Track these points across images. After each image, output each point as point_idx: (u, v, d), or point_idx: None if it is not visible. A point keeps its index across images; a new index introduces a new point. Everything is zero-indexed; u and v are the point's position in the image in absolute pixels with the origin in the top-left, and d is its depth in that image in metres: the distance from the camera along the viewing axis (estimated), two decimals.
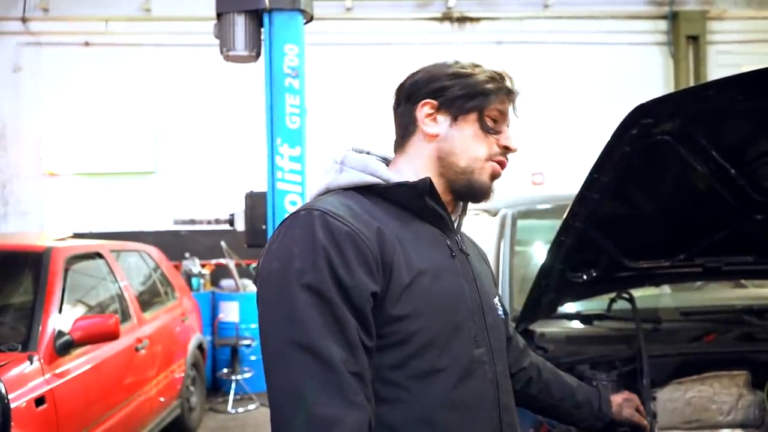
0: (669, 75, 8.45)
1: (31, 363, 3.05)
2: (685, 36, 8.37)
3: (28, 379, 2.97)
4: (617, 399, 1.74)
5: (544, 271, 2.02)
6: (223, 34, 4.19)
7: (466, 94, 1.27)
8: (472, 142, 1.28)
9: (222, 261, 7.19)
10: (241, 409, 6.04)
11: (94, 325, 3.36)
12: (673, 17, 8.41)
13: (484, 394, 1.23)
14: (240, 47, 4.18)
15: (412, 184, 1.24)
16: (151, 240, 6.58)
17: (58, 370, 3.19)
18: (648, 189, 1.94)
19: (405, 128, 1.32)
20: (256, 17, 4.19)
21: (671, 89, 8.08)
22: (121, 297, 4.28)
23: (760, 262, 2.25)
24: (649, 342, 2.09)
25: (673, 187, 1.95)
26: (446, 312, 1.20)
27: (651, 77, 8.36)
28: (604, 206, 1.85)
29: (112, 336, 3.41)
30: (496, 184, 1.32)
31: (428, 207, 1.25)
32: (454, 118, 1.28)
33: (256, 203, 4.37)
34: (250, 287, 6.87)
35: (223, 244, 7.03)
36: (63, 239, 4.26)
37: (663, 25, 8.51)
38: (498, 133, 1.29)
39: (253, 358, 6.42)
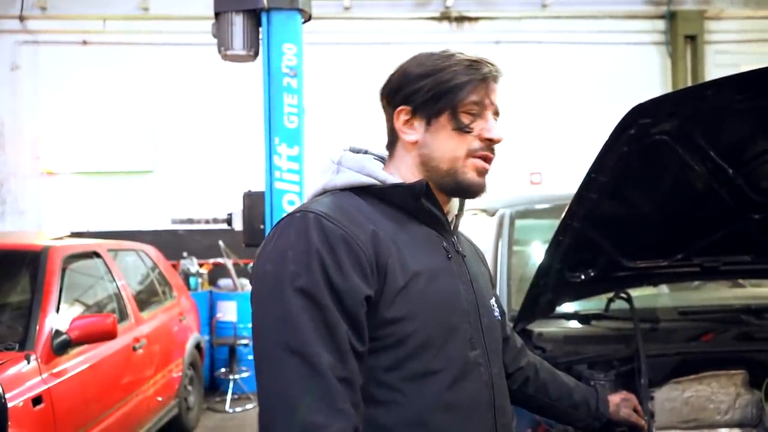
0: (667, 74, 8.46)
1: (29, 362, 3.04)
2: (683, 36, 8.37)
3: (25, 379, 2.97)
4: (615, 399, 1.74)
5: (542, 270, 2.02)
6: (221, 33, 4.18)
7: (434, 95, 1.23)
8: (448, 144, 1.24)
9: (220, 260, 7.18)
10: (238, 409, 6.04)
11: (92, 324, 3.36)
12: (671, 17, 8.41)
13: (479, 396, 1.23)
14: (238, 46, 4.17)
15: (408, 186, 1.24)
16: (148, 239, 6.58)
17: (55, 370, 3.18)
18: (646, 189, 1.94)
19: (390, 134, 1.31)
20: (254, 16, 4.19)
21: (669, 89, 8.09)
22: (118, 296, 4.27)
23: (758, 261, 2.25)
24: (647, 341, 2.09)
25: (671, 186, 1.95)
26: (441, 314, 1.19)
27: (649, 77, 8.36)
28: (602, 206, 1.85)
29: (109, 335, 3.41)
30: (487, 178, 1.29)
31: (424, 208, 1.25)
32: (428, 122, 1.25)
33: (254, 203, 4.36)
34: (248, 287, 6.86)
35: (221, 243, 7.02)
36: (60, 238, 4.25)
37: (661, 24, 8.52)
38: (472, 130, 1.24)
39: (250, 357, 6.36)
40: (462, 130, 1.23)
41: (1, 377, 2.81)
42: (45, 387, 3.04)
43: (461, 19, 8.39)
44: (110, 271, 4.31)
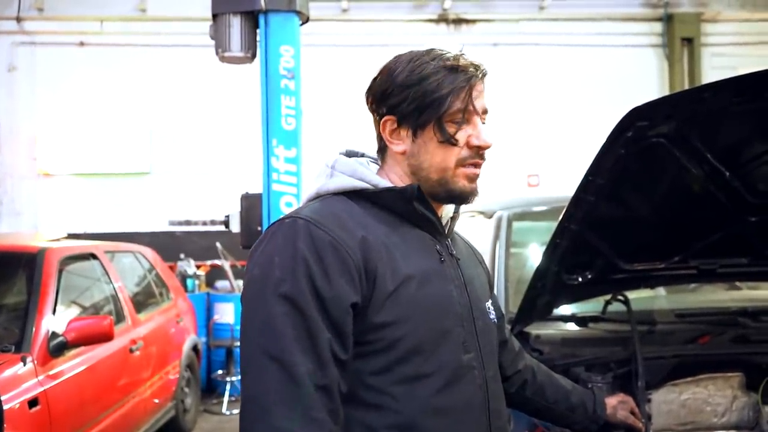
0: (664, 77, 8.48)
1: (25, 364, 3.03)
2: (680, 38, 8.39)
3: (21, 381, 2.96)
4: (612, 401, 1.74)
5: (540, 273, 2.02)
6: (218, 35, 4.18)
7: (418, 107, 1.21)
8: (436, 155, 1.23)
9: (217, 262, 7.18)
10: (235, 411, 6.03)
11: (88, 326, 3.35)
12: (668, 19, 8.43)
13: (472, 400, 1.23)
14: (235, 48, 4.17)
15: (400, 189, 1.24)
16: (146, 241, 6.57)
17: (51, 372, 3.17)
18: (643, 191, 1.94)
19: (378, 140, 1.31)
20: (252, 18, 4.18)
21: (666, 91, 8.11)
22: (115, 298, 4.26)
23: (755, 264, 2.26)
24: (644, 344, 2.09)
25: (668, 189, 1.96)
26: (432, 318, 1.19)
27: (646, 79, 8.38)
28: (600, 208, 1.85)
29: (106, 337, 3.40)
30: (479, 182, 1.28)
31: (417, 212, 1.24)
32: (414, 133, 1.24)
33: (251, 204, 4.35)
34: None
35: (218, 245, 7.02)
36: (57, 240, 4.24)
37: (658, 27, 8.53)
38: (458, 141, 1.22)
39: None
40: (449, 141, 1.22)
41: None
42: (41, 389, 3.03)
43: (459, 21, 8.40)
44: (107, 273, 4.30)
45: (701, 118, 1.69)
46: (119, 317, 4.17)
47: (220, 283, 7.27)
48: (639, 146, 1.71)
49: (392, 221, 1.24)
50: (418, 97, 1.21)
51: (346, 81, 7.86)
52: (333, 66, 7.97)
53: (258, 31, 4.23)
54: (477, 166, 1.26)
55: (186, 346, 5.32)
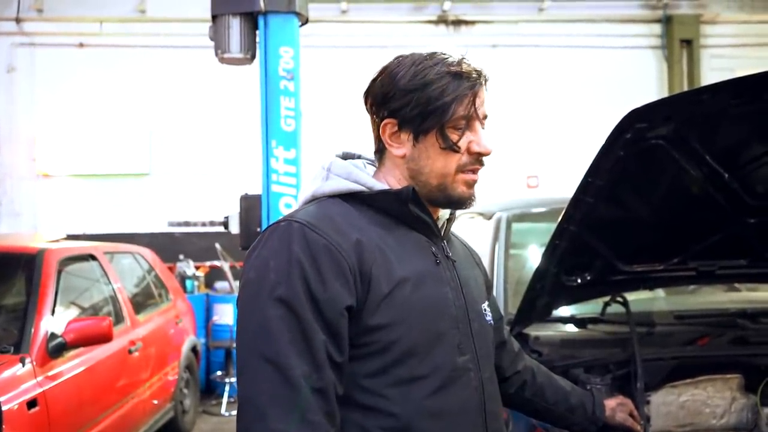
0: (663, 78, 8.48)
1: (23, 365, 3.03)
2: (679, 40, 8.40)
3: (20, 382, 2.96)
4: (611, 403, 1.74)
5: (539, 274, 2.02)
6: (218, 36, 4.18)
7: (421, 113, 1.20)
8: (438, 160, 1.23)
9: (216, 263, 7.17)
10: (234, 412, 6.00)
11: (87, 327, 3.35)
12: (667, 21, 8.43)
13: (468, 402, 1.23)
14: (235, 49, 4.17)
15: (395, 192, 1.24)
16: (145, 242, 6.56)
17: (50, 373, 3.17)
18: (642, 193, 1.95)
19: (377, 142, 1.30)
20: (252, 20, 4.18)
21: (665, 93, 8.11)
22: (114, 299, 4.26)
23: (754, 265, 2.26)
24: (643, 345, 2.09)
25: (667, 191, 1.96)
26: (427, 320, 1.19)
27: (645, 81, 8.38)
28: (599, 210, 1.85)
29: (105, 338, 3.40)
30: (476, 189, 1.28)
31: (412, 214, 1.24)
32: (416, 137, 1.23)
33: (250, 205, 4.35)
34: None
35: (217, 246, 7.01)
36: (56, 241, 4.24)
37: (657, 28, 8.54)
38: (460, 148, 1.22)
39: None
40: (451, 148, 1.22)
41: None
42: (40, 390, 3.02)
43: (458, 22, 8.40)
44: (106, 274, 4.30)
45: (700, 119, 1.69)
46: (118, 318, 4.16)
47: (220, 284, 7.27)
48: (638, 148, 1.71)
49: (387, 223, 1.24)
50: (421, 102, 1.20)
51: (346, 82, 7.86)
52: (332, 67, 7.97)
53: (257, 32, 4.23)
54: (476, 171, 1.27)
55: (185, 347, 5.31)
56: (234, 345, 6.27)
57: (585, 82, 8.31)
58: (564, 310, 2.40)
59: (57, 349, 3.25)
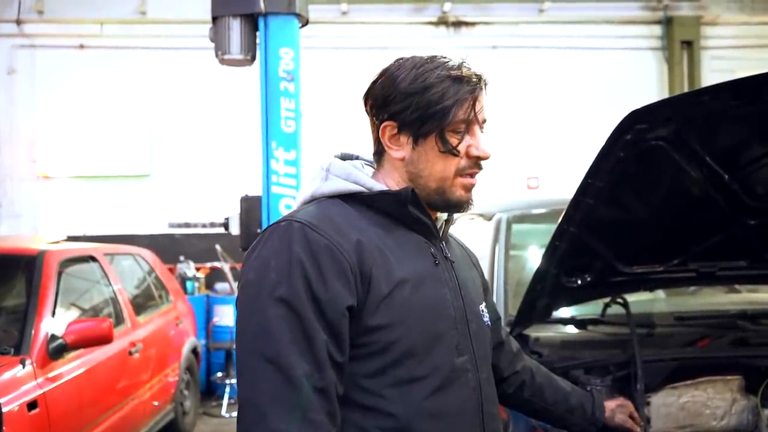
0: (663, 80, 8.48)
1: (24, 367, 3.03)
2: (680, 41, 8.39)
3: (20, 383, 2.96)
4: (611, 404, 1.74)
5: (539, 275, 2.02)
6: (218, 37, 4.18)
7: (421, 117, 1.21)
8: (437, 164, 1.24)
9: (217, 264, 7.17)
10: (235, 414, 6.01)
11: (88, 328, 3.35)
12: (668, 22, 8.43)
13: (466, 403, 1.23)
14: (235, 51, 4.17)
15: (394, 193, 1.24)
16: (145, 243, 6.56)
17: (50, 374, 3.17)
18: (642, 194, 1.95)
19: (376, 144, 1.30)
20: (252, 21, 4.19)
21: (665, 94, 8.11)
22: (114, 300, 4.26)
23: (754, 266, 2.26)
24: (643, 347, 2.09)
25: (667, 192, 1.96)
26: (426, 321, 1.20)
27: (645, 82, 8.38)
28: (599, 211, 1.85)
29: (105, 340, 3.40)
30: (474, 193, 1.29)
31: (411, 215, 1.25)
32: (415, 141, 1.24)
33: (251, 207, 4.35)
34: None
35: (218, 247, 7.01)
36: (57, 242, 4.24)
37: (657, 30, 8.54)
38: (459, 152, 1.23)
39: None
40: (450, 152, 1.23)
41: None
42: (40, 392, 3.02)
43: (458, 23, 8.41)
44: (106, 275, 4.30)
45: (700, 121, 1.69)
46: (118, 320, 4.16)
47: (220, 286, 7.27)
48: (638, 149, 1.71)
49: (387, 224, 1.24)
50: (421, 106, 1.21)
51: (346, 83, 7.86)
52: (333, 68, 7.97)
53: (258, 33, 4.23)
54: (474, 176, 1.27)
55: (185, 349, 5.31)
56: (234, 346, 6.27)
57: (585, 83, 8.31)
58: (564, 312, 2.40)
59: (57, 350, 3.24)
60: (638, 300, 2.47)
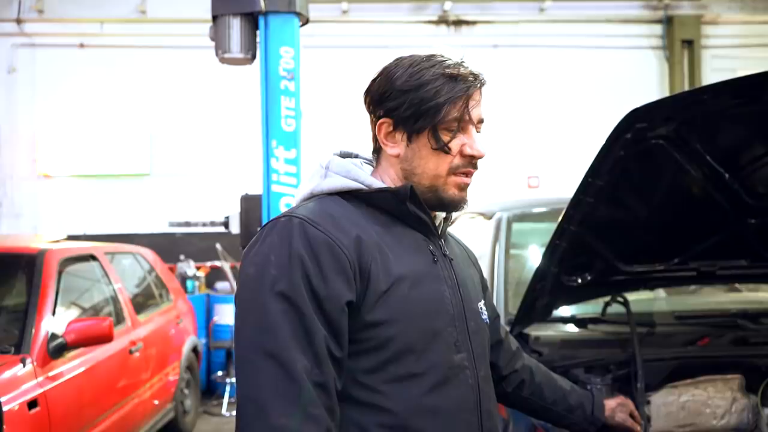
0: (664, 79, 8.48)
1: (24, 366, 3.03)
2: (680, 40, 8.39)
3: (20, 382, 2.96)
4: (611, 403, 1.74)
5: (539, 274, 2.02)
6: (218, 36, 4.18)
7: (414, 113, 1.22)
8: (429, 161, 1.24)
9: (217, 263, 7.17)
10: (235, 413, 6.02)
11: (88, 327, 3.34)
12: (668, 21, 8.43)
13: (464, 400, 1.23)
14: (235, 50, 4.17)
15: (393, 190, 1.25)
16: (145, 242, 6.56)
17: (51, 373, 3.17)
18: (642, 193, 1.95)
19: (374, 141, 1.31)
20: (252, 20, 4.18)
21: (666, 93, 8.11)
22: (115, 299, 4.26)
23: (754, 266, 2.26)
24: (644, 346, 2.09)
25: (667, 191, 1.96)
26: (424, 318, 1.20)
27: (646, 81, 8.38)
28: (599, 210, 1.85)
29: (105, 338, 3.40)
30: (468, 192, 1.29)
31: (410, 212, 1.25)
32: (409, 138, 1.24)
33: (251, 206, 4.35)
34: None
35: (218, 246, 7.01)
36: (57, 241, 4.24)
37: (658, 29, 8.53)
38: (451, 150, 1.23)
39: None
40: (442, 149, 1.23)
41: None
42: (40, 390, 3.02)
43: (459, 22, 8.40)
44: (107, 274, 4.30)
45: (701, 120, 1.69)
46: (119, 318, 4.16)
47: (220, 285, 7.27)
48: (638, 148, 1.71)
49: (386, 221, 1.24)
50: (415, 103, 1.21)
51: (346, 82, 7.86)
52: (333, 67, 7.97)
53: (258, 32, 4.23)
54: (468, 175, 1.27)
55: (186, 348, 5.31)
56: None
57: (586, 82, 8.31)
58: (564, 311, 2.40)
59: (58, 349, 3.24)
60: (639, 299, 2.47)
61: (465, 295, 1.30)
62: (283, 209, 4.31)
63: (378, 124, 1.27)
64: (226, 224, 4.83)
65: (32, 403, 2.94)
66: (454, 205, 1.28)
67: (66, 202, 7.94)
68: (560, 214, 1.89)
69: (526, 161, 8.15)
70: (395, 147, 1.26)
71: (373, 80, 1.29)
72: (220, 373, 6.49)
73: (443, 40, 8.20)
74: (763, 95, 1.58)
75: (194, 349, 5.59)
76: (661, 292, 2.78)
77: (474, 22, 8.42)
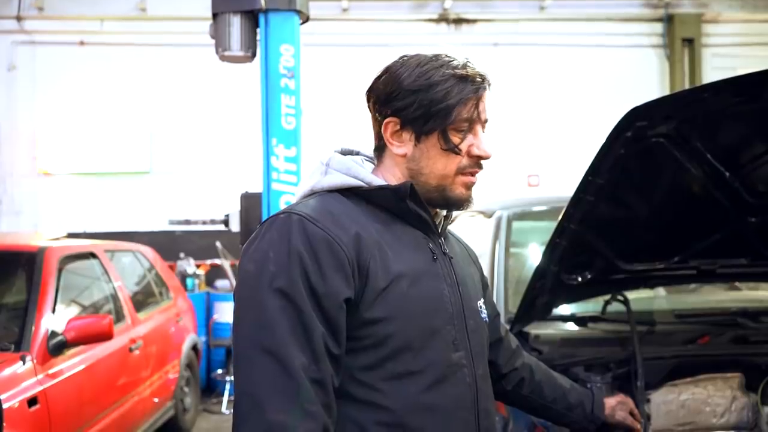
0: (664, 77, 8.47)
1: (24, 363, 3.03)
2: (681, 39, 8.38)
3: (20, 380, 2.96)
4: (611, 402, 1.74)
5: (539, 272, 2.02)
6: (218, 34, 4.17)
7: (424, 114, 1.21)
8: (438, 161, 1.24)
9: (217, 261, 7.17)
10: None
11: (88, 325, 3.35)
12: (669, 20, 8.42)
13: (461, 398, 1.23)
14: (235, 47, 4.17)
15: (393, 188, 1.24)
16: (145, 240, 6.56)
17: (51, 371, 3.17)
18: (643, 191, 1.95)
19: (377, 139, 1.31)
20: (252, 17, 4.18)
21: (666, 91, 8.10)
22: (115, 297, 4.26)
23: (754, 264, 2.26)
24: (644, 344, 2.10)
25: (667, 189, 1.96)
26: (422, 316, 1.20)
27: (646, 79, 8.37)
28: (599, 208, 1.85)
29: (105, 336, 3.40)
30: (474, 191, 1.29)
31: (410, 210, 1.25)
32: (417, 138, 1.24)
33: (251, 204, 4.35)
34: None
35: (218, 244, 7.01)
36: (57, 239, 4.24)
37: (658, 27, 8.53)
38: (461, 151, 1.23)
39: None
40: (452, 150, 1.24)
41: None
42: (40, 388, 3.03)
43: (459, 21, 8.40)
44: (107, 272, 4.30)
45: (701, 118, 1.69)
46: (119, 316, 4.16)
47: (220, 283, 7.27)
48: (639, 146, 1.71)
49: (385, 219, 1.24)
50: (425, 104, 1.21)
51: (346, 80, 7.86)
52: (333, 65, 7.97)
53: (258, 30, 4.23)
54: (474, 174, 1.28)
55: (185, 346, 5.31)
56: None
57: (586, 80, 8.31)
58: (564, 309, 2.40)
59: (57, 347, 3.25)
60: (639, 297, 2.47)
61: (464, 294, 1.30)
62: (282, 207, 4.31)
63: (384, 123, 1.26)
64: (226, 222, 4.83)
65: (32, 401, 2.94)
66: (460, 204, 1.29)
67: (66, 199, 7.93)
68: (560, 213, 1.89)
69: (526, 160, 8.15)
70: (402, 146, 1.26)
71: (378, 78, 1.28)
72: (219, 371, 6.49)
73: (443, 38, 8.20)
74: (764, 93, 1.58)
75: (194, 347, 5.59)
76: (661, 291, 2.78)
77: (474, 21, 8.41)
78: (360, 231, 1.18)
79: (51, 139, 7.91)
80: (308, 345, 1.10)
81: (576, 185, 1.80)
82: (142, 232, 7.70)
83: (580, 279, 2.14)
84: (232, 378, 5.59)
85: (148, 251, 5.43)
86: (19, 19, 7.91)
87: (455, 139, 1.23)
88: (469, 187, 1.28)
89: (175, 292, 5.53)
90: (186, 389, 5.37)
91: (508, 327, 1.74)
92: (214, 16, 4.22)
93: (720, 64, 8.28)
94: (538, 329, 2.25)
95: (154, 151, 8.00)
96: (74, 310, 3.73)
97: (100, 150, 7.88)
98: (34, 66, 7.97)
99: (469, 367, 1.25)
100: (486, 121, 1.27)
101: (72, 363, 3.38)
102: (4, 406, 2.74)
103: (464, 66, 1.24)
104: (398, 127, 1.25)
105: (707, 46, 8.51)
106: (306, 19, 4.33)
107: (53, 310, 3.39)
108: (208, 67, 7.09)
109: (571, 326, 2.39)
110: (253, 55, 4.27)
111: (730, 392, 2.08)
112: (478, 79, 1.24)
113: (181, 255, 7.42)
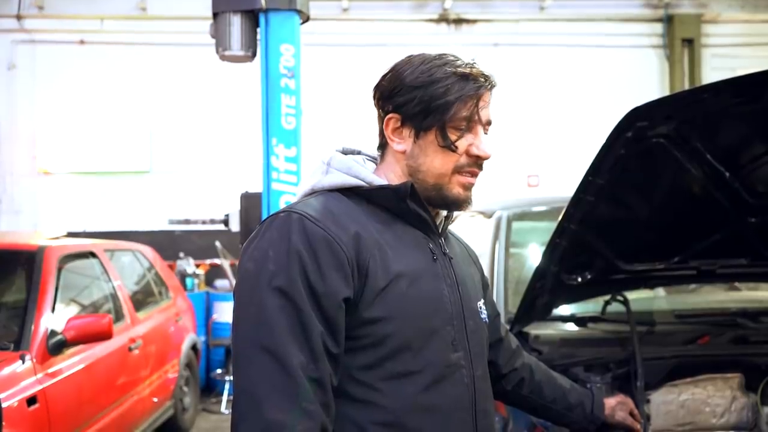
0: (664, 78, 8.48)
1: (23, 362, 3.03)
2: (680, 39, 8.39)
3: (19, 379, 2.96)
4: (611, 402, 1.74)
5: (539, 273, 2.02)
6: (219, 33, 4.18)
7: (423, 110, 1.22)
8: (435, 159, 1.24)
9: (216, 261, 7.17)
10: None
11: (87, 324, 3.35)
12: (669, 20, 8.42)
13: (459, 398, 1.23)
14: (236, 47, 4.17)
15: (393, 188, 1.25)
16: (145, 240, 6.56)
17: (50, 370, 3.17)
18: (643, 192, 1.95)
19: (380, 137, 1.31)
20: (252, 17, 4.18)
21: (666, 92, 8.10)
22: (114, 296, 4.26)
23: (754, 264, 2.26)
24: (644, 344, 2.10)
25: (667, 189, 1.96)
26: (422, 316, 1.20)
27: (646, 80, 8.37)
28: (599, 209, 1.85)
29: (105, 336, 3.40)
30: (473, 192, 1.29)
31: (410, 210, 1.25)
32: (416, 134, 1.25)
33: (251, 204, 4.35)
34: None
35: (217, 244, 7.01)
36: (56, 238, 4.24)
37: (658, 28, 8.53)
38: (458, 148, 1.23)
39: None
40: (449, 147, 1.23)
41: None
42: (40, 387, 3.02)
43: (459, 21, 8.40)
44: (106, 272, 4.30)
45: (701, 118, 1.69)
46: (118, 316, 4.16)
47: (220, 282, 7.26)
48: (639, 147, 1.71)
49: (386, 219, 1.25)
50: (425, 99, 1.22)
51: (347, 80, 7.86)
52: (333, 65, 7.97)
53: (258, 29, 4.23)
54: (474, 175, 1.28)
55: (185, 345, 5.31)
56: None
57: (586, 81, 8.31)
58: (564, 309, 2.40)
59: (57, 346, 3.24)
60: (638, 298, 2.47)
61: (464, 294, 1.30)
62: (282, 207, 4.31)
63: (386, 119, 1.27)
64: (225, 222, 4.84)
65: (31, 400, 2.94)
66: (458, 204, 1.28)
67: (65, 199, 7.93)
68: (560, 213, 1.89)
69: (526, 160, 8.15)
70: (402, 143, 1.27)
71: (384, 76, 1.29)
72: (219, 370, 6.49)
73: (443, 38, 8.20)
74: (764, 94, 1.58)
75: (193, 347, 5.59)
76: (661, 291, 2.78)
77: (474, 21, 8.41)
78: (360, 230, 1.18)
79: (51, 138, 7.91)
80: (307, 344, 1.10)
81: (576, 185, 1.80)
82: (142, 231, 7.69)
83: (580, 279, 2.14)
84: (232, 378, 5.63)
85: (147, 251, 5.43)
86: (19, 18, 7.90)
87: (453, 136, 1.23)
88: (467, 187, 1.27)
89: (174, 291, 5.53)
90: (185, 389, 5.37)
91: (508, 327, 1.74)
92: (215, 15, 4.22)
93: (720, 64, 8.28)
94: (538, 329, 2.25)
95: (154, 150, 8.00)
96: (74, 310, 3.73)
97: (99, 149, 7.87)
98: (34, 65, 7.97)
99: (467, 368, 1.25)
100: (489, 122, 1.27)
101: (71, 362, 3.38)
102: (4, 405, 2.73)
103: (468, 65, 1.25)
104: (399, 123, 1.26)
105: (707, 47, 8.51)
106: (306, 19, 4.33)
107: (53, 310, 3.39)
108: (208, 67, 7.09)
109: (571, 326, 2.39)
110: (254, 54, 4.27)
111: (730, 392, 2.08)
112: (481, 79, 1.24)
113: (181, 254, 7.42)
